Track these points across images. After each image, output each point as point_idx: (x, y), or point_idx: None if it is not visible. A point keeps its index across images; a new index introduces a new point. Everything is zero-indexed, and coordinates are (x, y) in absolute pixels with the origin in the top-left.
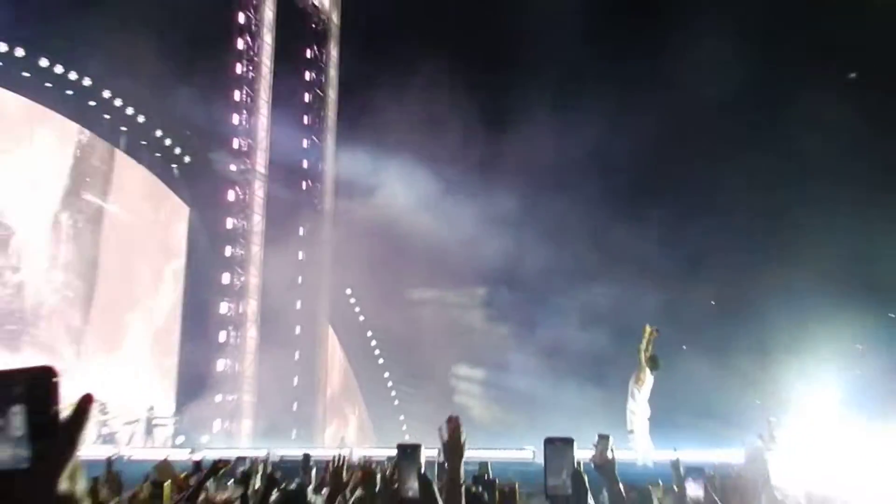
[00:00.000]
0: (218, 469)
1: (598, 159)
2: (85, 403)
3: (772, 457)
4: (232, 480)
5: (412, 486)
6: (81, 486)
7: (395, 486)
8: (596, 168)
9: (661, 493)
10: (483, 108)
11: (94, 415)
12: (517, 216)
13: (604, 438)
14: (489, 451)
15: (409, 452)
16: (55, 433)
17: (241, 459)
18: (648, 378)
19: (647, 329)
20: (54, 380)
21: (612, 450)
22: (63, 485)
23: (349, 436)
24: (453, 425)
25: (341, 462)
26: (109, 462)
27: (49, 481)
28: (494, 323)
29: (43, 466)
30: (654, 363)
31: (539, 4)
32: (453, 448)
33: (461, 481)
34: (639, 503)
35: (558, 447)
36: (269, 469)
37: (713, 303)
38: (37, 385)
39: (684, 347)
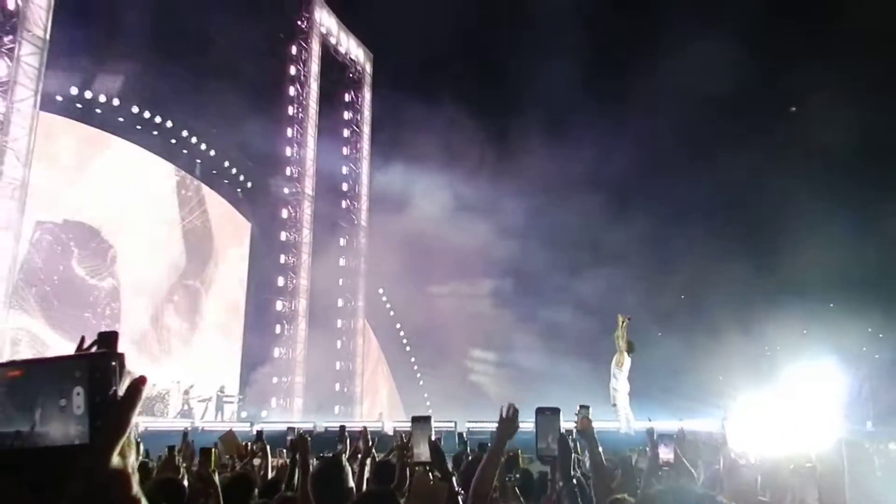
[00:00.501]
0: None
1: (590, 178)
2: (137, 385)
3: (729, 425)
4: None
5: (424, 451)
6: (132, 460)
7: (410, 450)
8: (588, 184)
9: (638, 456)
10: (492, 137)
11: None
12: (522, 225)
13: (584, 408)
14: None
15: (421, 422)
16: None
17: (290, 429)
18: (626, 360)
19: (620, 318)
20: (112, 364)
21: (590, 418)
22: (115, 459)
23: (383, 411)
24: (512, 409)
25: (365, 433)
26: (185, 434)
27: (103, 456)
28: (502, 311)
29: (98, 442)
30: (630, 347)
31: (539, 50)
32: (506, 426)
33: (502, 454)
34: (620, 467)
35: (547, 416)
36: (302, 433)
37: (682, 296)
38: (96, 368)
39: (659, 334)
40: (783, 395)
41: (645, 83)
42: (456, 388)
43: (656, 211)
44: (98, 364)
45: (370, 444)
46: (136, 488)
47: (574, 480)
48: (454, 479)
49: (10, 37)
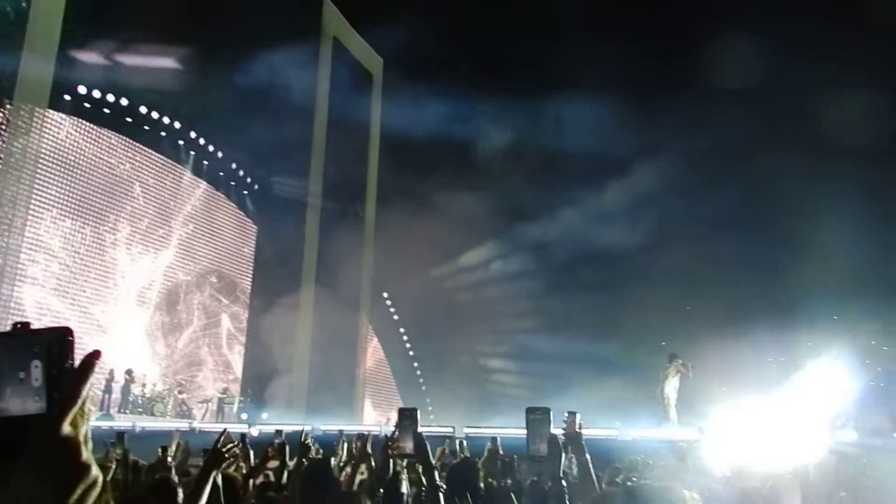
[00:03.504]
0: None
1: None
2: (89, 359)
3: (705, 436)
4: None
5: (409, 444)
6: (84, 430)
7: (396, 443)
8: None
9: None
10: (498, 144)
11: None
12: (530, 242)
13: (572, 414)
14: (499, 429)
15: (407, 415)
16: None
17: (278, 433)
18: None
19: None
20: (70, 338)
21: (579, 424)
22: (66, 428)
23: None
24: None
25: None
26: (178, 434)
27: (56, 424)
28: (511, 298)
29: (51, 412)
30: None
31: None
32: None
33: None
34: (606, 480)
35: (538, 416)
36: (306, 439)
37: (688, 307)
38: (54, 343)
39: (663, 343)
40: (778, 405)
41: (675, 83)
42: (460, 392)
43: (669, 234)
44: (57, 339)
45: (365, 447)
46: (86, 455)
47: (563, 482)
48: (436, 473)
49: None
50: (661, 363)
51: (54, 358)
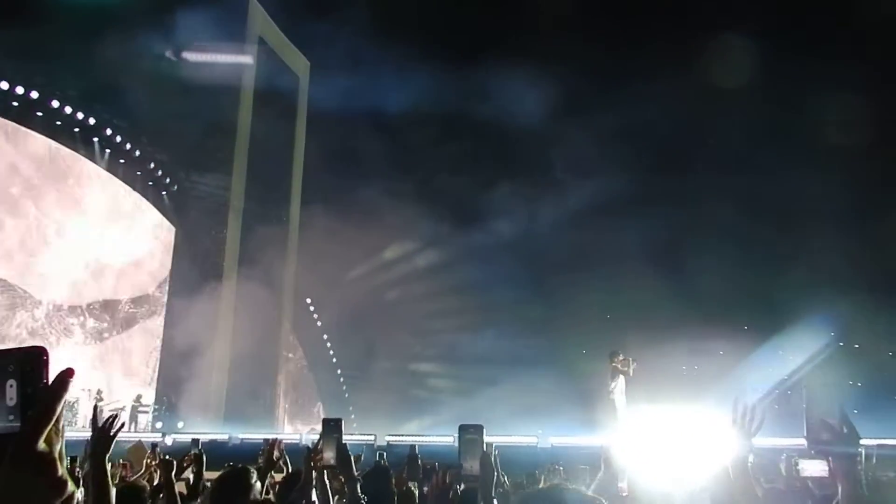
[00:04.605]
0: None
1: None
2: (63, 377)
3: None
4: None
5: (332, 455)
6: (59, 447)
7: (320, 454)
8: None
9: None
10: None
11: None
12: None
13: (478, 427)
14: (420, 437)
15: (332, 425)
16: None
17: (195, 441)
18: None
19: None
20: (44, 358)
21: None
22: (41, 445)
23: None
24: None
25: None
26: (87, 444)
27: (29, 442)
28: (439, 296)
29: (26, 429)
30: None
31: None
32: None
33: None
34: (524, 484)
35: (470, 433)
36: (199, 450)
37: (608, 316)
38: (28, 362)
39: (584, 352)
40: (694, 413)
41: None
42: (384, 398)
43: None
44: (30, 358)
45: (275, 456)
46: (61, 471)
47: (495, 501)
48: (358, 484)
49: None
50: (587, 364)
51: (29, 377)
